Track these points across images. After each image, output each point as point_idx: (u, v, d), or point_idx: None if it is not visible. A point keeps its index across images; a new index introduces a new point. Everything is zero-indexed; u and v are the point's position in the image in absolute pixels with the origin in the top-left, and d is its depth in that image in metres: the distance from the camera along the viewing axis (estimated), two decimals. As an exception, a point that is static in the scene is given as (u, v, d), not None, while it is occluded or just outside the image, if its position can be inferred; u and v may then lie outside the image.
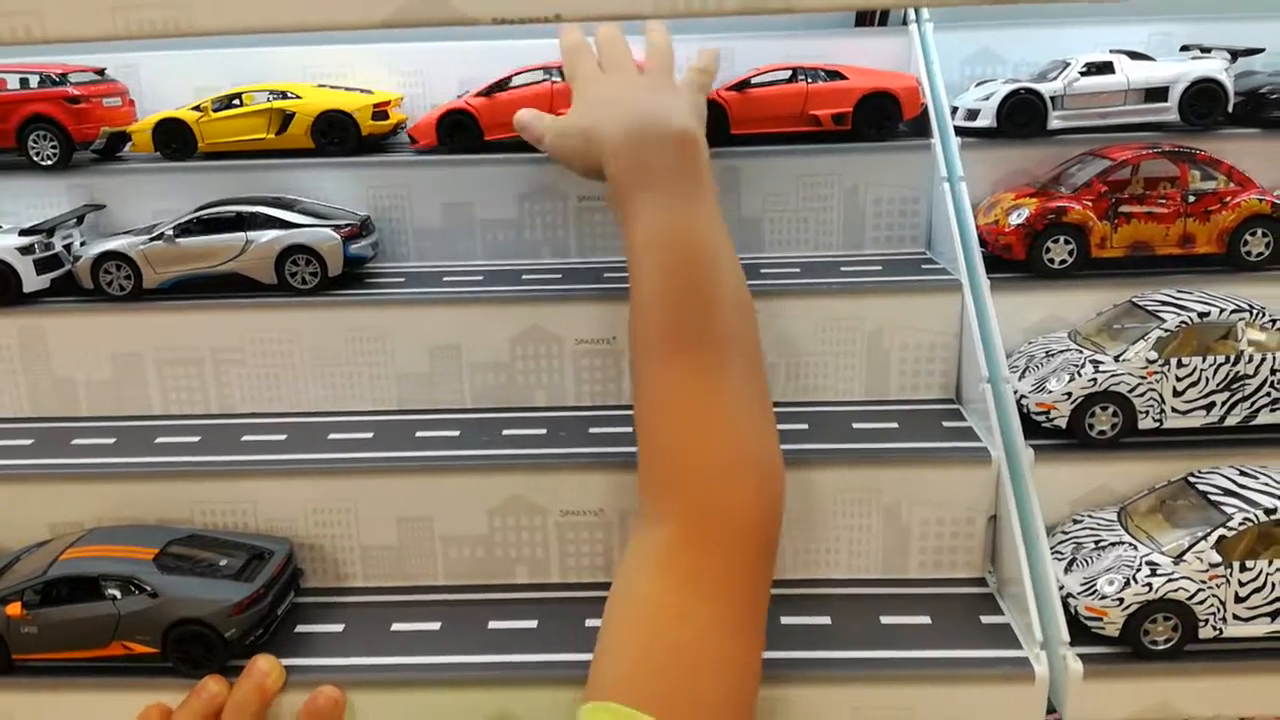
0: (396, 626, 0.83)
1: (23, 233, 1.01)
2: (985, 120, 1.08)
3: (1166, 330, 0.87)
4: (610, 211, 1.06)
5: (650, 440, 0.73)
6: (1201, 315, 0.87)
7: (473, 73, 1.12)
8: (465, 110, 1.08)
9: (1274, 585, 0.75)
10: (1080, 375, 0.87)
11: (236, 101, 1.10)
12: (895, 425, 0.92)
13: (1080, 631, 0.77)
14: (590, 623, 0.82)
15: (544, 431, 0.93)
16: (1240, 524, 0.76)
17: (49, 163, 1.10)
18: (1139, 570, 0.76)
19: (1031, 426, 0.88)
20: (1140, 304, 0.92)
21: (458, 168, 1.08)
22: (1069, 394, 0.87)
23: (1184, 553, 0.76)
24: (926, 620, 0.81)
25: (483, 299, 0.97)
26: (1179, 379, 0.87)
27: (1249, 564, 0.75)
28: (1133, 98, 1.07)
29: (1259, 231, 0.98)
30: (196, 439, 0.94)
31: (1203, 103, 1.06)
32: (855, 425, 0.92)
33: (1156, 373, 0.86)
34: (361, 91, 1.15)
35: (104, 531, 0.86)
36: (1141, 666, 0.76)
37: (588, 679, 0.64)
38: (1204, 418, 0.88)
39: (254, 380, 0.99)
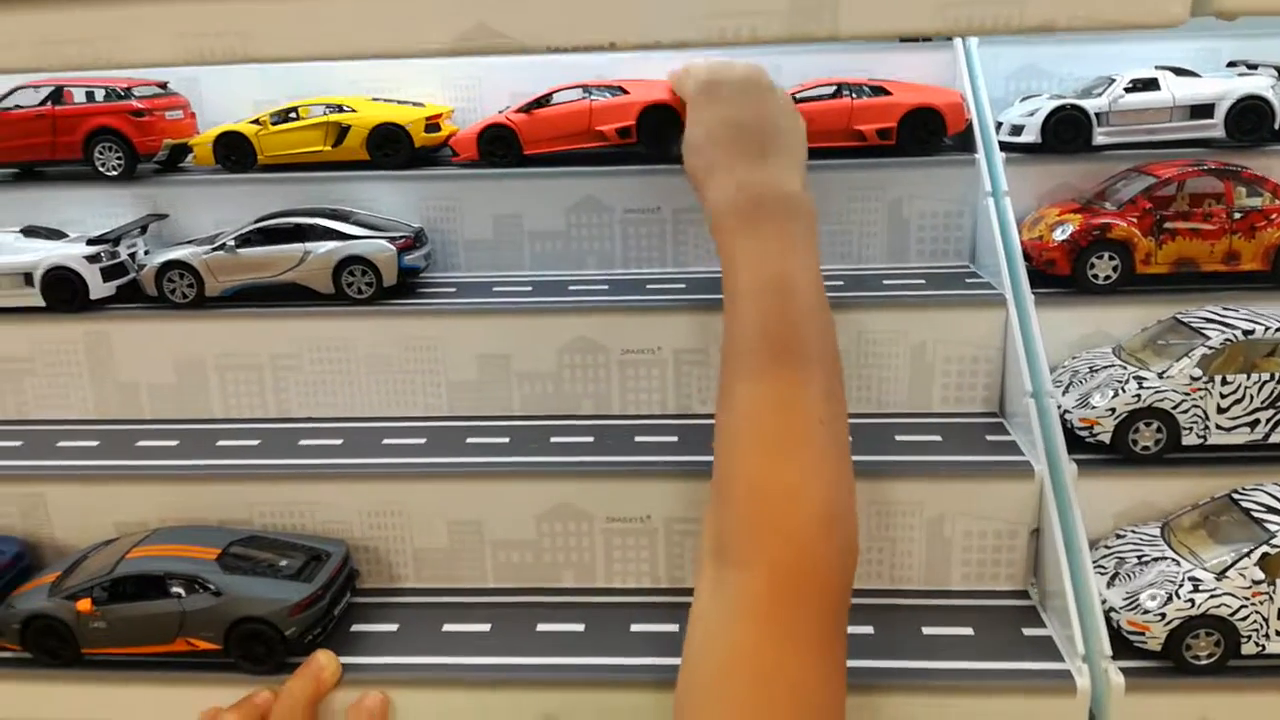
0: (448, 627, 0.86)
1: (90, 241, 1.05)
2: (1030, 136, 1.09)
3: (1211, 347, 0.87)
4: (658, 222, 1.09)
5: (737, 471, 0.69)
6: (1246, 333, 0.88)
7: (525, 87, 1.13)
8: (505, 125, 1.10)
9: (1318, 603, 0.76)
10: (1124, 391, 0.88)
11: (294, 115, 1.13)
12: (939, 438, 0.92)
13: (1122, 645, 0.77)
14: (636, 628, 0.84)
15: (591, 439, 0.95)
16: (1285, 541, 0.76)
17: (114, 174, 1.13)
18: (1182, 585, 0.76)
19: (1075, 441, 0.88)
20: (1185, 321, 0.93)
21: (506, 180, 1.10)
22: (1113, 409, 0.88)
23: (1227, 569, 0.76)
24: (969, 632, 0.82)
25: (531, 310, 1.00)
26: (1223, 396, 0.87)
27: (1293, 582, 0.75)
28: (1178, 114, 1.07)
29: (1305, 249, 0.98)
30: (256, 443, 0.97)
31: (1249, 119, 1.06)
32: (899, 438, 0.93)
33: (1200, 389, 0.87)
34: (414, 105, 1.17)
35: (168, 531, 0.89)
36: (1183, 681, 0.76)
37: None
38: (1248, 435, 0.88)
39: (311, 386, 1.01)
